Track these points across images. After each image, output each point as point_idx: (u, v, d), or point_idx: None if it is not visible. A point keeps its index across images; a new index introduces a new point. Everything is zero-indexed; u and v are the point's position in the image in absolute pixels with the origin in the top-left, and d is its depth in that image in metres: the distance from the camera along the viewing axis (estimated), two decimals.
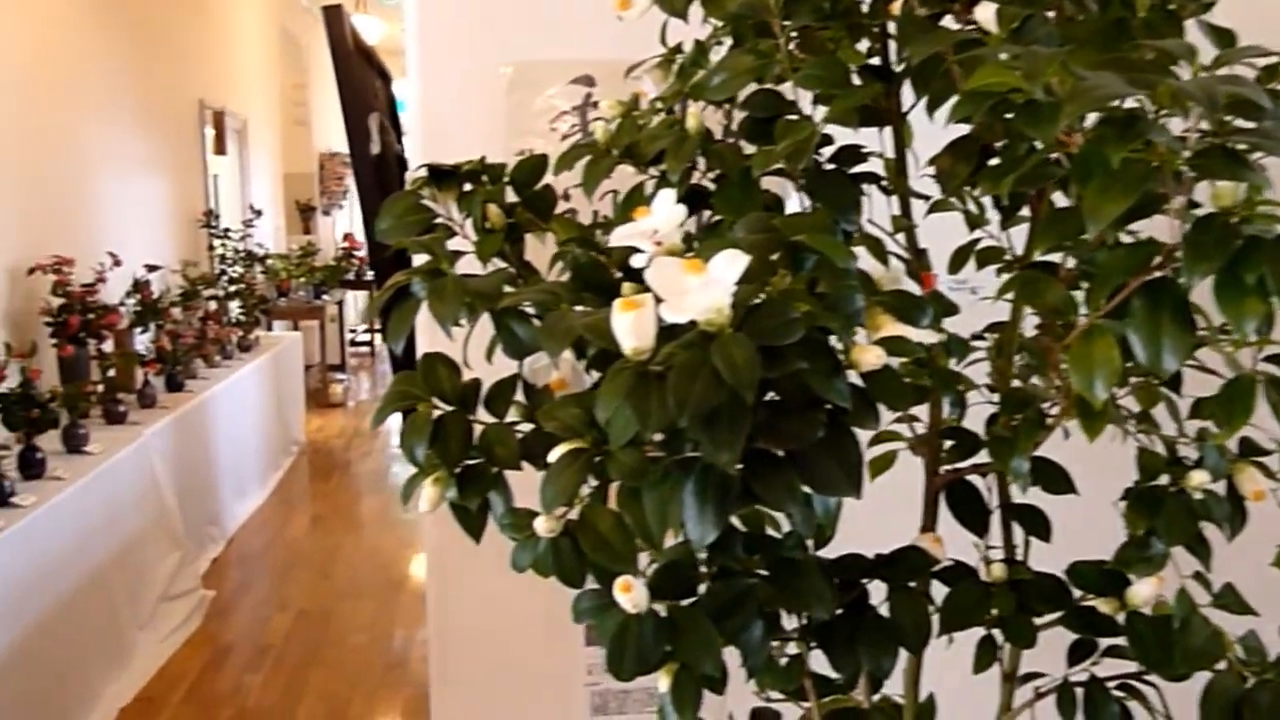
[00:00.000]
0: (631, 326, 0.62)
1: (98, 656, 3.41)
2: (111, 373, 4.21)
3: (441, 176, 1.07)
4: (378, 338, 11.40)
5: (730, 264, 0.60)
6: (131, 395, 4.34)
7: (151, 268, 4.89)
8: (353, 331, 10.53)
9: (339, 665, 3.73)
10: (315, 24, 10.83)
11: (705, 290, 0.59)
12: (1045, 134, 0.64)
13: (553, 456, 0.74)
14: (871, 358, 0.66)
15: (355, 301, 10.74)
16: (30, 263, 4.09)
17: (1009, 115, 0.73)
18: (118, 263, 4.44)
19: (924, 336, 0.73)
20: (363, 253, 10.59)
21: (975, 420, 0.97)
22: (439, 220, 1.04)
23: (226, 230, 6.57)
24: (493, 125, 1.46)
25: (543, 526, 0.81)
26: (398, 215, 1.04)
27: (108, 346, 4.30)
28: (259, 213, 7.36)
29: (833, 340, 0.68)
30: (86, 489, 3.40)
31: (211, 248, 6.49)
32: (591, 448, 0.72)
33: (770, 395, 0.68)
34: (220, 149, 6.91)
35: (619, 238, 0.79)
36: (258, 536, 5.16)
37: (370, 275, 10.55)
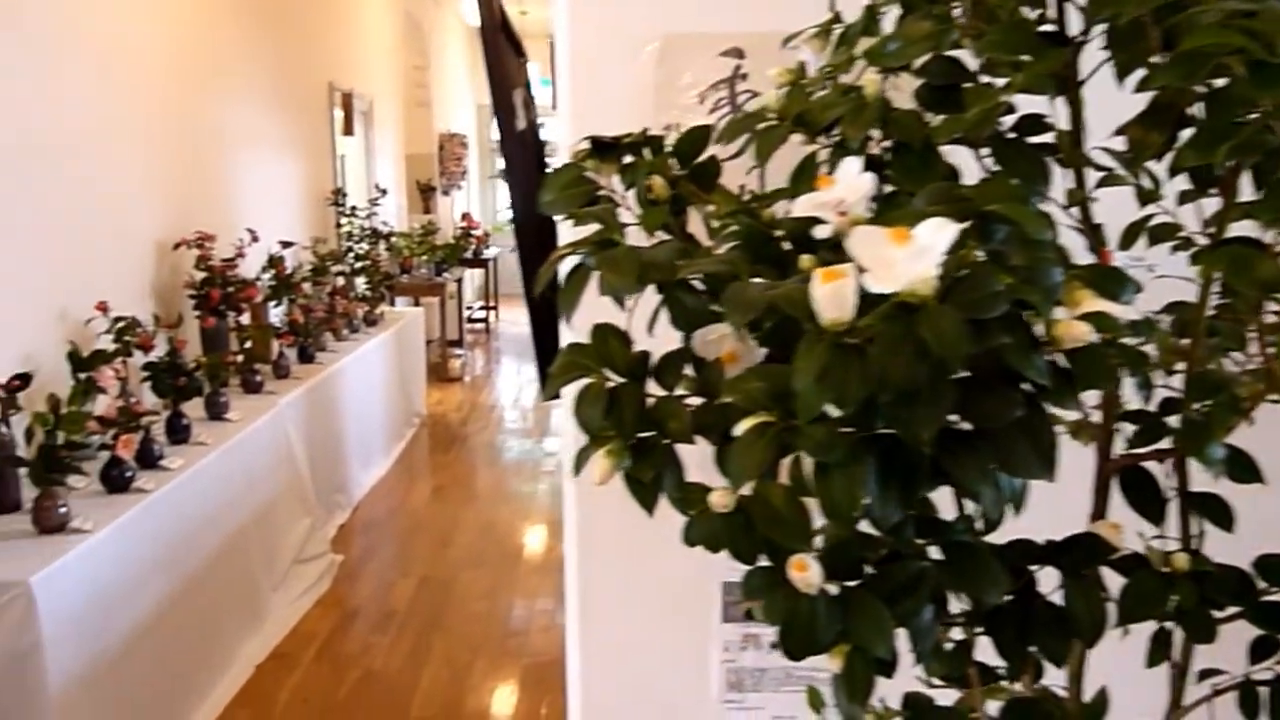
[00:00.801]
0: (832, 297, 0.59)
1: (236, 614, 3.54)
2: (248, 344, 4.36)
3: (603, 149, 1.06)
4: (492, 315, 11.58)
5: (938, 233, 0.57)
6: (267, 366, 4.48)
7: (286, 244, 5.04)
8: (468, 309, 10.69)
9: (460, 632, 3.80)
10: (435, 7, 10.98)
11: (913, 260, 0.57)
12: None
13: (738, 430, 0.72)
14: (1080, 332, 0.62)
15: (472, 279, 10.91)
16: (176, 238, 4.26)
17: (1214, 81, 0.68)
18: (256, 239, 4.59)
19: (1126, 313, 0.69)
20: (479, 232, 10.75)
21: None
22: (602, 193, 1.03)
23: (354, 209, 6.73)
24: (640, 99, 1.45)
25: (718, 501, 0.79)
26: (561, 188, 1.03)
27: (244, 319, 4.45)
28: (384, 191, 7.53)
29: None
30: (228, 454, 3.52)
31: (339, 225, 6.66)
32: (779, 421, 0.70)
33: (963, 373, 0.65)
34: (348, 129, 7.07)
35: (802, 208, 0.76)
36: (382, 505, 5.29)
37: (487, 253, 10.71)
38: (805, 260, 0.76)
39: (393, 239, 7.41)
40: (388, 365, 6.09)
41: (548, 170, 1.08)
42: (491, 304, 11.58)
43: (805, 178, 0.92)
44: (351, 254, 6.50)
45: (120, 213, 3.90)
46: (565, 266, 0.88)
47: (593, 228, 0.91)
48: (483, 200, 14.43)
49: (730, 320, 0.72)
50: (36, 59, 3.33)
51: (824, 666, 1.75)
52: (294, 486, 4.17)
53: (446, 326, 8.86)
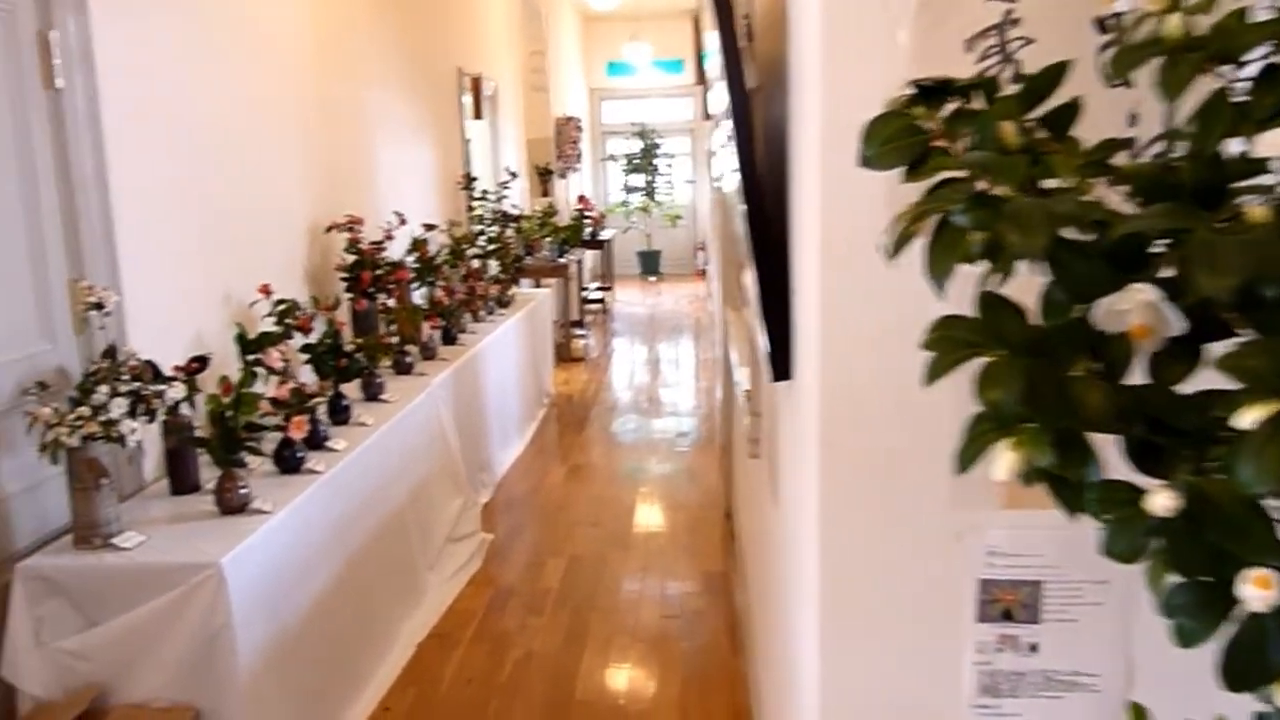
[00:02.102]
0: None
1: (396, 593, 3.50)
2: (393, 325, 4.33)
3: (932, 94, 0.90)
4: (608, 295, 11.50)
5: None
6: (414, 347, 4.44)
7: (429, 226, 5.00)
8: (584, 289, 10.63)
9: (616, 612, 3.71)
10: None
11: None
12: None
13: (1246, 419, 0.56)
14: None
15: (589, 261, 10.83)
16: (326, 221, 4.24)
17: None
18: (403, 221, 4.55)
19: None
20: (594, 214, 10.65)
21: None
22: (937, 144, 0.87)
23: (484, 192, 6.69)
24: (897, 52, 1.29)
25: (1163, 504, 0.64)
26: (886, 139, 0.88)
27: (390, 302, 4.42)
28: (514, 175, 7.48)
29: None
30: (386, 435, 3.48)
31: (470, 209, 6.62)
32: None
33: None
34: (477, 114, 7.03)
35: (1269, 147, 0.60)
36: (521, 483, 5.24)
37: (603, 234, 10.60)
38: (1258, 211, 0.60)
39: (521, 221, 7.35)
40: (521, 346, 6.04)
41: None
42: (607, 285, 11.50)
43: (1218, 116, 0.75)
44: (483, 237, 6.46)
45: (276, 197, 3.89)
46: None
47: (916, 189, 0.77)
48: (595, 182, 14.37)
49: (1207, 290, 0.57)
50: (202, 50, 3.31)
51: (1090, 671, 1.53)
52: (446, 466, 4.12)
53: (569, 307, 8.80)
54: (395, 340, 4.06)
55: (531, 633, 3.58)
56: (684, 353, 9.01)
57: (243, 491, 2.59)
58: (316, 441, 3.11)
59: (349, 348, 3.50)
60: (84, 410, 2.23)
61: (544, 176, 10.37)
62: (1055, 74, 0.87)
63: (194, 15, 3.27)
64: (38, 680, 2.29)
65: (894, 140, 0.88)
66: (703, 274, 14.36)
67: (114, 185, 2.74)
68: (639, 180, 14.41)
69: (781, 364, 1.55)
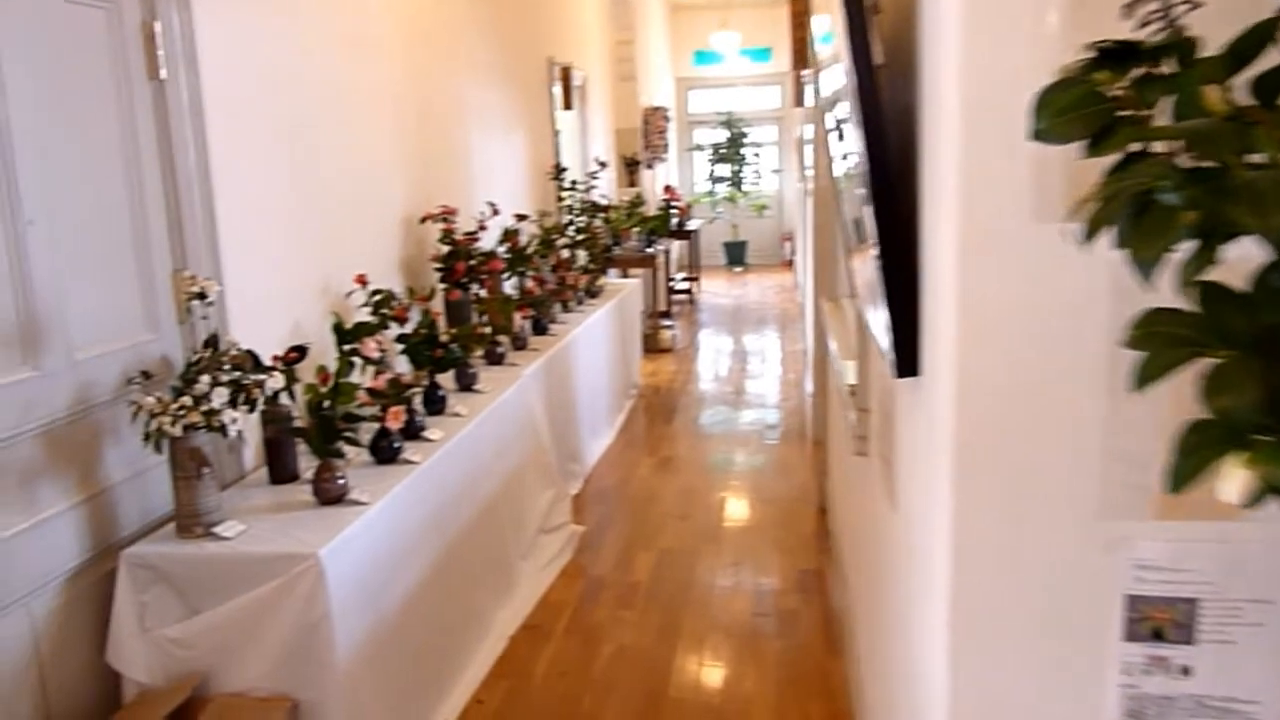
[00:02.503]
0: None
1: (490, 584, 3.47)
2: (484, 316, 4.30)
3: (1115, 57, 0.79)
4: (694, 286, 11.39)
5: None
6: (505, 337, 4.41)
7: (521, 216, 4.97)
8: (671, 280, 10.54)
9: (707, 608, 3.62)
10: None
11: None
12: None
13: None
14: None
15: (675, 251, 10.74)
16: (420, 212, 4.22)
17: None
18: (496, 211, 4.52)
19: None
20: (680, 204, 10.54)
21: None
22: (1125, 113, 0.76)
23: (574, 183, 6.64)
24: (1044, 22, 1.17)
25: None
26: (1064, 109, 0.78)
27: (481, 292, 4.39)
28: (604, 165, 7.42)
29: None
30: (481, 425, 3.45)
31: (560, 199, 6.59)
32: None
33: None
34: (567, 104, 6.99)
35: None
36: (611, 475, 5.19)
37: (689, 224, 10.49)
38: None
39: (610, 212, 7.30)
40: (610, 336, 5.99)
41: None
42: (693, 275, 11.40)
43: None
44: (572, 227, 6.42)
45: (373, 187, 3.88)
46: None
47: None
48: (681, 172, 14.26)
49: None
50: (301, 41, 3.31)
51: (1248, 699, 1.38)
52: (537, 457, 4.08)
53: (656, 298, 8.73)
54: (488, 330, 4.03)
55: (623, 626, 3.51)
56: (770, 344, 8.87)
57: (340, 482, 2.57)
58: (412, 432, 3.09)
59: (444, 338, 3.47)
60: (186, 400, 2.23)
61: (631, 167, 10.31)
62: (1263, 34, 0.76)
63: (294, 7, 3.26)
64: (142, 666, 2.30)
65: (1073, 110, 0.78)
66: (789, 264, 14.16)
67: (215, 176, 2.74)
68: (725, 170, 14.26)
69: (907, 359, 1.44)
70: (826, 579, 3.83)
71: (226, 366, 2.40)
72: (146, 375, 2.34)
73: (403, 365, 3.51)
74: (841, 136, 1.78)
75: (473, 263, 4.18)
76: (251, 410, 2.50)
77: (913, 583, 1.65)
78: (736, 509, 4.66)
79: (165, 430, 2.21)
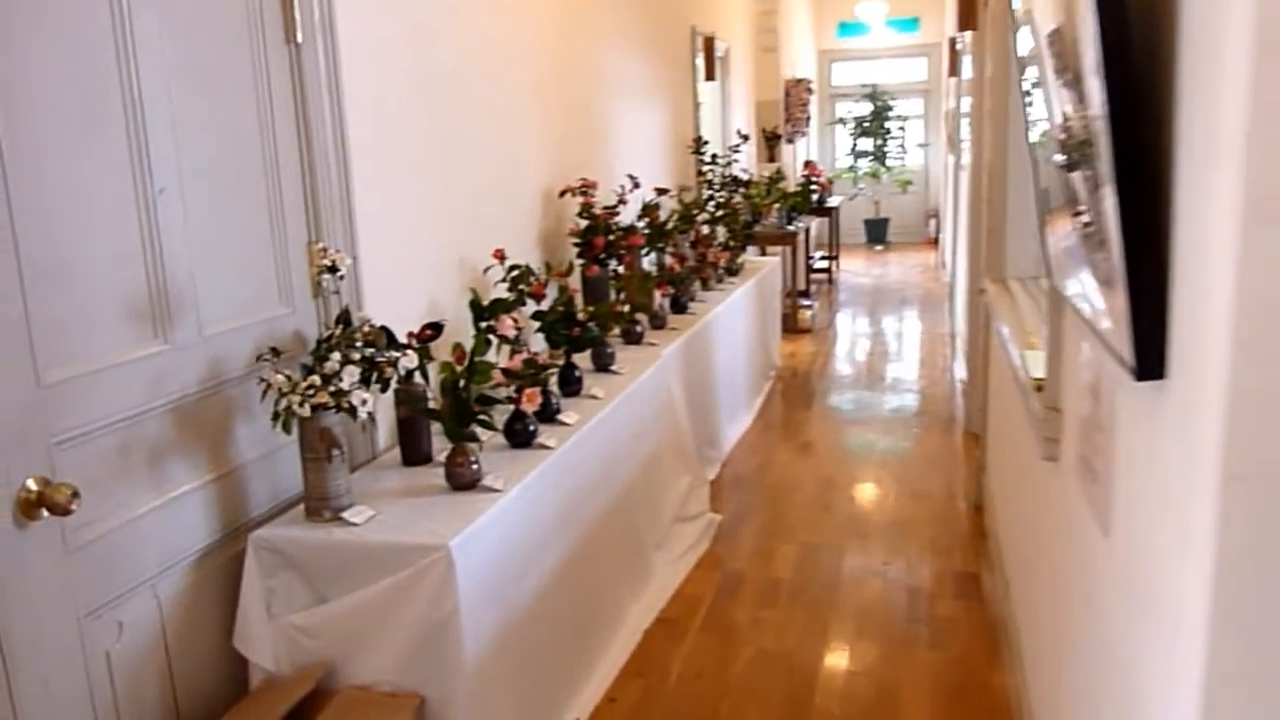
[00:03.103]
0: None
1: (624, 575, 3.30)
2: (621, 293, 4.11)
3: None
4: (833, 265, 11.01)
5: None
6: (644, 315, 4.22)
7: (661, 191, 4.76)
8: (810, 258, 10.20)
9: (855, 611, 3.37)
10: None
11: None
12: None
13: None
14: None
15: (814, 228, 10.37)
16: (561, 185, 4.06)
17: None
18: (637, 185, 4.33)
19: None
20: (821, 179, 10.16)
21: None
22: None
23: (714, 156, 6.40)
24: None
25: None
26: None
27: (618, 268, 4.21)
28: (746, 138, 7.16)
29: None
30: (618, 408, 3.27)
31: (700, 173, 6.35)
32: None
33: None
34: (709, 75, 6.74)
35: None
36: (748, 461, 4.96)
37: (830, 201, 10.10)
38: None
39: (750, 187, 7.02)
40: (750, 316, 5.74)
41: None
42: (833, 253, 11.00)
43: None
44: (712, 202, 6.18)
45: (512, 159, 3.73)
46: None
47: None
48: (822, 147, 13.82)
49: None
50: (439, 8, 3.16)
51: None
52: (675, 441, 3.89)
53: (796, 276, 8.41)
54: (626, 308, 3.84)
55: (764, 626, 3.29)
56: (913, 326, 8.45)
57: (474, 467, 2.42)
58: (548, 414, 2.93)
59: (581, 316, 3.30)
60: (315, 379, 2.10)
61: (771, 141, 9.98)
62: None
63: None
64: (268, 653, 2.20)
65: None
66: (933, 243, 13.57)
67: (351, 144, 2.62)
68: (868, 145, 13.74)
69: (1150, 357, 1.17)
70: (983, 584, 3.52)
71: (359, 344, 2.27)
72: (276, 352, 2.23)
73: (537, 344, 3.36)
74: (1033, 99, 1.50)
75: (612, 238, 4.00)
76: (385, 390, 2.38)
77: (1135, 625, 1.38)
78: (882, 502, 4.37)
79: (294, 410, 2.09)
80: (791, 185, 9.30)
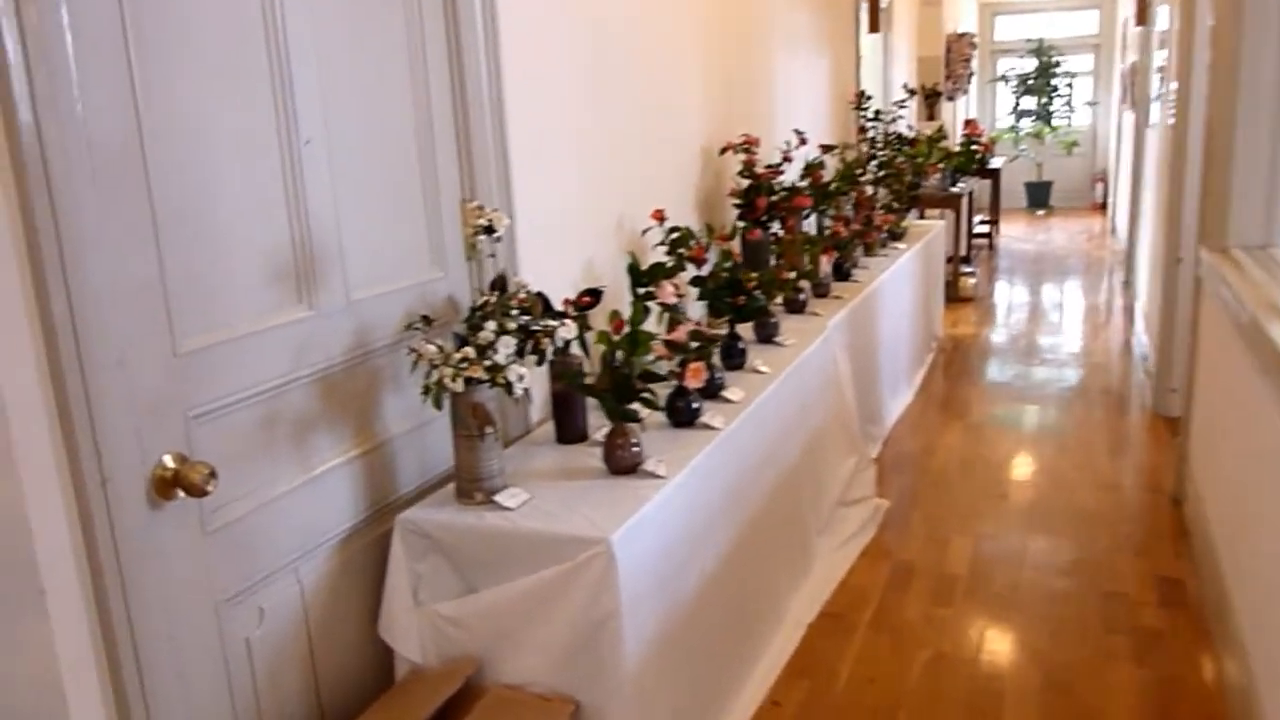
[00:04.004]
0: None
1: (785, 562, 3.02)
2: (781, 258, 3.80)
3: None
4: (993, 230, 10.35)
5: None
6: (806, 282, 3.89)
7: (827, 148, 4.41)
8: (970, 223, 9.59)
9: (1045, 617, 3.00)
10: None
11: None
12: None
13: None
14: None
15: (977, 192, 9.75)
16: (721, 142, 3.77)
17: None
18: (804, 141, 3.99)
19: None
20: (983, 139, 9.52)
21: None
22: None
23: (877, 113, 5.97)
24: None
25: None
26: None
27: (779, 231, 3.90)
28: (913, 92, 6.70)
29: None
30: (784, 383, 2.97)
31: (862, 130, 5.94)
32: None
33: None
34: (874, 26, 6.28)
35: None
36: (912, 440, 4.59)
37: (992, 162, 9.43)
38: None
39: (917, 146, 6.55)
40: (914, 283, 5.32)
41: None
42: (993, 218, 10.33)
43: None
44: (874, 161, 5.76)
45: (671, 112, 3.46)
46: None
47: None
48: (981, 106, 13.03)
49: None
50: None
51: None
52: (840, 419, 3.57)
53: (958, 242, 7.88)
54: (791, 275, 3.52)
55: (940, 627, 2.96)
56: (1083, 297, 7.81)
57: (635, 449, 2.18)
58: (710, 390, 2.66)
59: (751, 282, 3.00)
60: (469, 351, 1.89)
61: (930, 98, 9.39)
62: None
63: None
64: (415, 644, 2.02)
65: None
66: (1100, 208, 12.67)
67: (508, 96, 2.39)
68: (1031, 103, 12.88)
69: None
70: (1189, 592, 3.09)
71: (514, 311, 2.04)
72: (428, 320, 2.02)
73: (694, 311, 3.09)
74: None
75: (775, 198, 3.68)
76: (541, 362, 2.15)
77: None
78: (1064, 491, 3.94)
79: (446, 384, 1.89)
80: (952, 145, 8.73)
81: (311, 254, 1.87)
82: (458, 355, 1.89)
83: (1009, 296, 7.91)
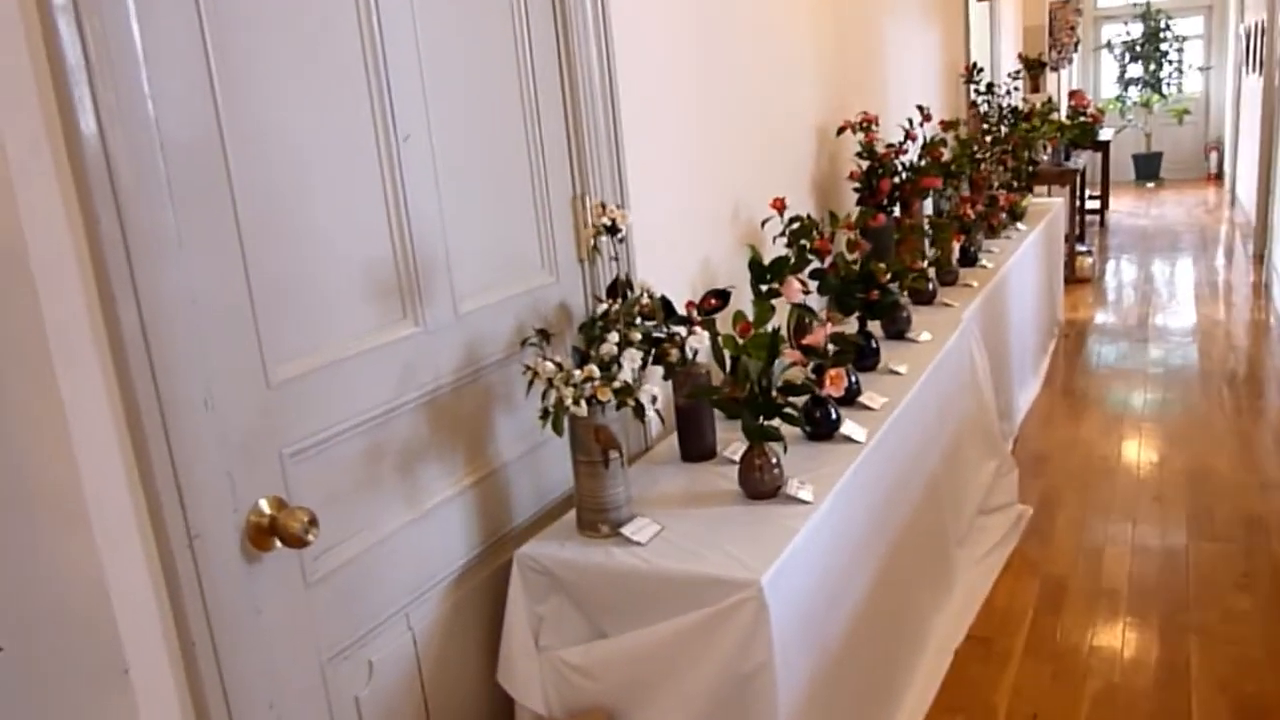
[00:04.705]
0: None
1: (926, 579, 2.72)
2: (900, 244, 3.47)
3: None
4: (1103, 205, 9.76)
5: None
6: (932, 270, 3.56)
7: (948, 124, 4.06)
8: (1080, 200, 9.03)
9: (1227, 639, 2.64)
10: None
11: None
12: None
13: None
14: None
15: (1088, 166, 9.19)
16: (835, 122, 3.46)
17: None
18: (927, 118, 3.66)
19: None
20: (1091, 110, 8.94)
21: None
22: None
23: (990, 85, 5.56)
24: None
25: None
26: None
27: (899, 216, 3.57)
28: (1028, 63, 6.24)
29: None
30: (925, 386, 2.66)
31: (973, 104, 5.54)
32: None
33: None
34: None
35: None
36: (1047, 436, 4.21)
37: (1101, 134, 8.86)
38: None
39: (1033, 119, 6.11)
40: (1037, 266, 4.93)
41: None
42: (1103, 193, 9.73)
43: None
44: (989, 136, 5.36)
45: (785, 92, 3.16)
46: None
47: None
48: (1084, 76, 12.35)
49: None
50: None
51: None
52: (980, 420, 3.24)
53: (1073, 220, 7.39)
54: (923, 264, 3.20)
55: (1106, 653, 2.63)
56: (1206, 274, 7.24)
57: (775, 472, 1.91)
58: (847, 397, 2.37)
59: (883, 276, 2.71)
60: (593, 369, 1.64)
61: (1034, 70, 8.86)
62: None
63: None
64: (536, 692, 1.79)
65: None
66: (1215, 179, 11.90)
67: (619, 84, 2.14)
68: (1138, 70, 12.15)
69: None
70: None
71: (637, 321, 1.79)
72: (545, 335, 1.79)
73: (812, 305, 2.81)
74: None
75: (902, 180, 3.36)
76: (668, 376, 1.90)
77: None
78: (1226, 492, 3.54)
79: (566, 406, 1.65)
80: (1060, 118, 8.21)
81: (415, 263, 1.65)
82: (580, 374, 1.64)
83: (1127, 276, 7.39)
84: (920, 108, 3.69)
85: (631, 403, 1.64)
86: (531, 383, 1.71)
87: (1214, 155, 12.03)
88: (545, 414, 1.68)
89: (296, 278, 1.44)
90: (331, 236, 1.50)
